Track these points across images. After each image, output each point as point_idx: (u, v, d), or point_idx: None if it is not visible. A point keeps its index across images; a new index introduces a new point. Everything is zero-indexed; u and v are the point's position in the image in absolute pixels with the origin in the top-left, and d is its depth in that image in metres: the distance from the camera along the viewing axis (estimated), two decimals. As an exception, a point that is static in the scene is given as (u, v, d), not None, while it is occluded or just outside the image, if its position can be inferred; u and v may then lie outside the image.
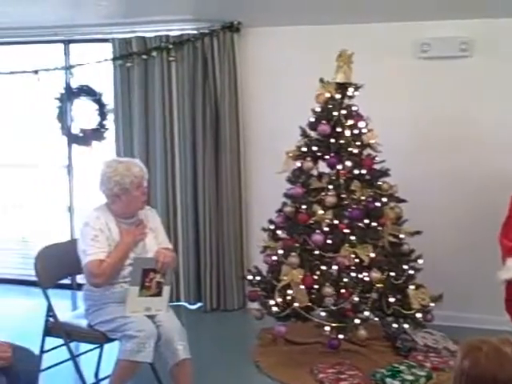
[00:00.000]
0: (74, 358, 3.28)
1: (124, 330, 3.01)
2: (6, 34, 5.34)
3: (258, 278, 4.03)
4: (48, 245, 3.46)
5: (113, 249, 3.11)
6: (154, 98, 4.91)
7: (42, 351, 3.25)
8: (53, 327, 3.28)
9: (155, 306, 3.13)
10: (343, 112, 3.82)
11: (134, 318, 3.03)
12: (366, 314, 3.63)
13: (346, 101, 3.89)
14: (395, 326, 3.79)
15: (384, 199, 3.77)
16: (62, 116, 5.45)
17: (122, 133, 5.07)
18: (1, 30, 5.26)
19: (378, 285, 3.62)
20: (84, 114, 5.47)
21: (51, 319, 3.29)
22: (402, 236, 3.85)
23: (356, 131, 3.80)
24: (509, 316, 3.43)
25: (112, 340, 3.20)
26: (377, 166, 3.84)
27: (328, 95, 3.87)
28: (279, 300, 3.77)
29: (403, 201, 3.85)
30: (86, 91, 5.40)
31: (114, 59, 5.00)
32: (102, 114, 5.39)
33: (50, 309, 3.27)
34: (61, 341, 3.31)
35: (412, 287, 3.71)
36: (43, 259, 3.30)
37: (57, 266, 3.38)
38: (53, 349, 3.36)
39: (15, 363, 2.49)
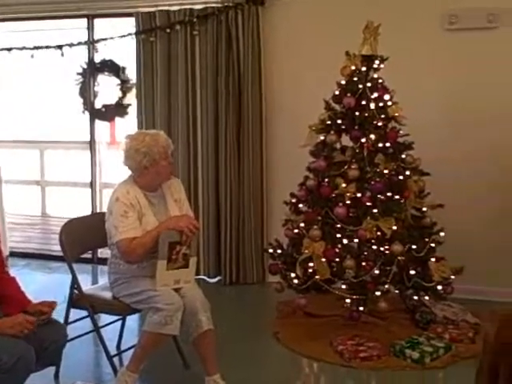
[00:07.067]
0: (98, 329, 3.33)
1: (152, 303, 3.03)
2: (31, 9, 5.38)
3: (278, 251, 4.05)
4: (72, 218, 3.49)
5: (144, 224, 3.10)
6: (177, 73, 4.92)
7: (66, 323, 3.28)
8: (77, 299, 3.31)
9: (183, 277, 3.13)
10: (368, 85, 3.81)
11: (161, 290, 3.04)
12: (387, 286, 3.64)
13: (372, 73, 3.88)
14: (415, 298, 3.80)
15: (407, 172, 3.77)
16: (85, 91, 5.47)
17: (144, 108, 5.09)
18: (26, 4, 5.30)
19: (399, 257, 3.63)
20: (107, 89, 5.50)
21: (76, 291, 3.31)
22: (424, 209, 3.86)
23: (381, 104, 3.79)
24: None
25: (135, 312, 3.25)
26: (401, 139, 3.84)
27: (353, 68, 3.86)
28: (300, 273, 3.79)
29: (426, 174, 3.85)
30: (110, 66, 5.42)
31: (138, 33, 5.01)
32: (125, 89, 5.42)
33: (74, 281, 3.30)
34: (83, 313, 3.35)
35: (433, 260, 3.72)
36: (68, 233, 3.32)
37: (81, 240, 3.41)
38: (76, 321, 3.40)
39: (43, 334, 2.57)
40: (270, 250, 4.09)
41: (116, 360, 3.40)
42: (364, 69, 3.86)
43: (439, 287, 3.71)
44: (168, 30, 4.90)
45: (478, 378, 1.85)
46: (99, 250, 5.33)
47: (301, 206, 3.99)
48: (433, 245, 3.77)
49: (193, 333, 3.08)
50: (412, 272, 3.66)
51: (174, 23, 4.87)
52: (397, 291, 3.81)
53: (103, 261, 5.37)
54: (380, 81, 3.86)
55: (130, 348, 3.29)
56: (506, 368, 1.74)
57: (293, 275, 3.82)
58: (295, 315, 4.13)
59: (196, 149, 4.98)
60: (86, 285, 3.53)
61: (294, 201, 4.03)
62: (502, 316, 1.79)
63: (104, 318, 3.65)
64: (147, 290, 3.07)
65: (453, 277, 3.75)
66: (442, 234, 3.83)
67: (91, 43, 5.38)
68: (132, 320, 3.78)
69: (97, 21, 5.42)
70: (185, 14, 4.84)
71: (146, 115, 5.08)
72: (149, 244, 3.04)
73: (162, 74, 4.97)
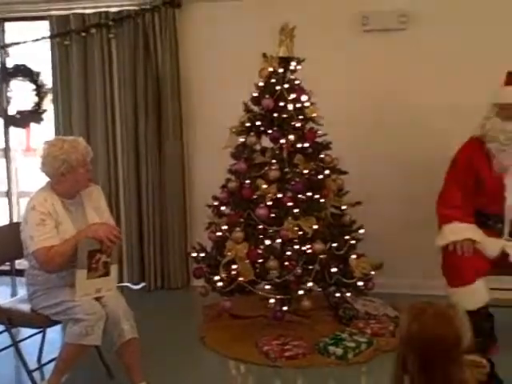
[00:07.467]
0: (16, 343, 3.23)
1: (72, 314, 2.96)
2: None
3: (202, 254, 4.03)
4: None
5: (61, 232, 3.03)
6: (94, 77, 4.83)
7: (-18, 338, 3.18)
8: (-7, 313, 3.19)
9: (105, 286, 3.08)
10: (286, 86, 3.85)
11: (81, 300, 2.98)
12: (310, 284, 3.69)
13: (289, 75, 3.93)
14: (338, 295, 3.87)
15: (326, 172, 3.83)
16: (-2, 97, 5.28)
17: (61, 113, 4.97)
18: None
19: (320, 256, 3.68)
20: (21, 94, 5.33)
21: (-9, 305, 3.20)
22: (343, 207, 3.94)
23: (298, 105, 3.85)
24: (445, 279, 3.55)
25: (55, 323, 3.17)
26: (319, 139, 3.90)
27: (271, 70, 3.90)
28: (224, 275, 3.78)
29: (345, 172, 3.93)
30: (23, 71, 5.26)
31: (52, 37, 4.89)
32: (40, 95, 5.27)
33: (-11, 294, 3.19)
34: (0, 327, 3.25)
35: (354, 257, 3.79)
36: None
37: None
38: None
39: None
40: (194, 254, 4.07)
41: (37, 374, 3.30)
42: (281, 70, 3.90)
43: (360, 283, 3.79)
44: (83, 34, 4.80)
45: (394, 369, 1.90)
46: (17, 261, 5.13)
47: (223, 208, 3.99)
48: (353, 242, 3.85)
49: (116, 342, 3.03)
50: (334, 269, 3.73)
51: (90, 26, 4.77)
52: (319, 289, 3.87)
53: (22, 272, 5.19)
54: (297, 82, 3.92)
55: (51, 361, 3.20)
56: (416, 359, 1.80)
57: (217, 278, 3.81)
58: (221, 318, 4.12)
59: (116, 154, 4.90)
60: (4, 297, 3.40)
61: (216, 203, 4.03)
62: (413, 309, 1.85)
63: (24, 332, 3.54)
64: (67, 301, 3.00)
65: (373, 272, 3.84)
66: (361, 231, 3.92)
67: (2, 47, 5.20)
68: (54, 331, 3.67)
69: (8, 24, 5.24)
70: (100, 17, 4.76)
71: (62, 121, 4.96)
72: (67, 253, 2.97)
73: (79, 78, 4.86)
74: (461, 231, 3.51)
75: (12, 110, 5.32)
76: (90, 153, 3.17)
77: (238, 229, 3.79)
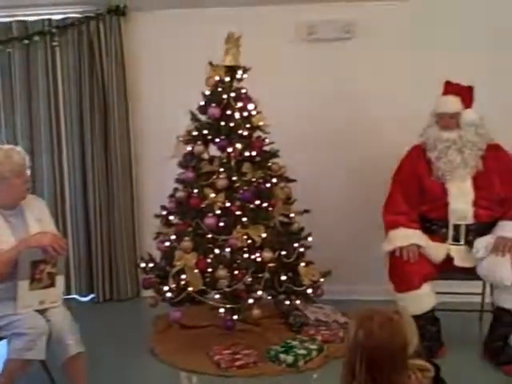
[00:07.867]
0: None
1: (13, 328, 2.89)
2: None
3: (151, 265, 3.99)
4: None
5: (0, 244, 2.94)
6: (38, 85, 4.72)
7: None
8: None
9: (49, 298, 3.01)
10: (232, 95, 3.84)
11: (24, 314, 2.91)
12: (259, 293, 3.69)
13: (236, 83, 3.93)
14: (287, 302, 3.88)
15: (274, 180, 3.84)
16: None
17: (3, 122, 4.84)
18: None
19: (270, 264, 3.68)
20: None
21: None
22: (291, 215, 3.95)
23: (245, 114, 3.84)
24: (392, 285, 3.61)
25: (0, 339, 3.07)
26: (267, 148, 3.91)
27: (217, 78, 3.89)
28: (173, 285, 3.75)
29: (293, 181, 3.94)
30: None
31: (-7, 44, 4.77)
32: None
33: None
34: None
35: (302, 264, 3.81)
36: None
37: None
38: None
39: None
40: (142, 265, 4.02)
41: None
42: (228, 79, 3.89)
43: (309, 291, 3.80)
44: (26, 41, 4.68)
45: (343, 375, 1.92)
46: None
47: (171, 218, 3.96)
48: (302, 250, 3.87)
49: (61, 357, 2.98)
50: (283, 277, 3.74)
51: (32, 34, 4.66)
52: (269, 297, 3.88)
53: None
54: (244, 91, 3.91)
55: (-4, 377, 3.11)
56: (363, 365, 1.82)
57: (166, 288, 3.77)
58: (171, 329, 4.08)
59: (61, 164, 4.81)
60: None
61: (164, 213, 3.99)
62: (360, 316, 1.88)
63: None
64: (8, 315, 2.92)
65: (322, 279, 3.86)
66: (309, 238, 3.94)
67: None
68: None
69: None
70: (43, 25, 4.65)
71: (5, 130, 4.83)
72: (9, 263, 2.90)
73: (22, 86, 4.74)
74: (406, 237, 3.58)
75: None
76: (27, 163, 3.11)
77: (186, 238, 3.76)
